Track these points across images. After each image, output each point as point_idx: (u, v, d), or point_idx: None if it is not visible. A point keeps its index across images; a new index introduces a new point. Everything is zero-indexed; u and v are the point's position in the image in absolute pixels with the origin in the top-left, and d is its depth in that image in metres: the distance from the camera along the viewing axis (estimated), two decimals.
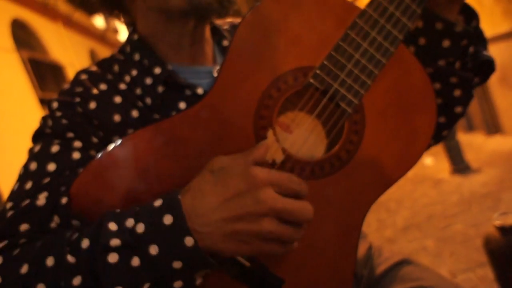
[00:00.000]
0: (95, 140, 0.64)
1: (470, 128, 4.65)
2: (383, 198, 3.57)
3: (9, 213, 0.56)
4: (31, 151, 0.64)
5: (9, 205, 0.58)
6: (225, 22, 0.83)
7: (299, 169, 0.61)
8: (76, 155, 0.61)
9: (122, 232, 0.49)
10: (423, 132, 0.65)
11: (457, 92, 0.70)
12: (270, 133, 0.60)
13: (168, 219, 0.49)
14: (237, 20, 0.83)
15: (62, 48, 7.47)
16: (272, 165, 0.59)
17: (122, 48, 0.73)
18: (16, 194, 0.59)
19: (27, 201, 0.57)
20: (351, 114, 0.63)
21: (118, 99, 0.67)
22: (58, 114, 0.65)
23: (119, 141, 0.59)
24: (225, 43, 0.77)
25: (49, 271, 0.49)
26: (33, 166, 0.61)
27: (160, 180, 0.58)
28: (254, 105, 0.61)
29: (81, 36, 8.72)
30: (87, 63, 8.72)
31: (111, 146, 0.58)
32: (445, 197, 3.05)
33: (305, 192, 0.53)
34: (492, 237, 1.02)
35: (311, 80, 0.61)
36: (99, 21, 10.28)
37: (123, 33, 12.52)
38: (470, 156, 3.62)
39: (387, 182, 0.64)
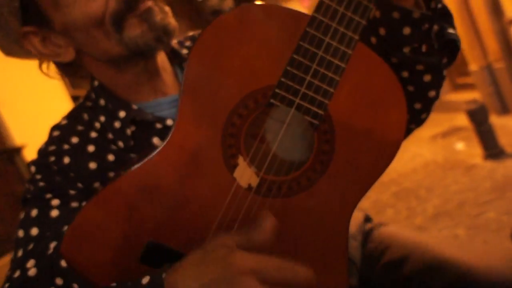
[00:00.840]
0: (72, 192, 0.66)
1: (505, 110, 4.48)
2: (413, 185, 3.52)
3: (6, 286, 0.59)
4: (20, 220, 0.67)
5: (8, 273, 0.61)
6: (185, 38, 0.82)
7: (276, 189, 0.61)
8: (54, 213, 0.64)
9: None
10: (395, 127, 0.64)
11: (427, 77, 0.69)
12: (240, 160, 0.61)
13: None
14: (197, 32, 0.81)
15: None
16: (249, 189, 0.60)
17: (88, 95, 0.75)
18: (12, 265, 0.63)
19: (18, 273, 0.59)
20: (318, 125, 0.61)
21: (91, 148, 0.69)
22: (37, 177, 0.68)
23: (93, 196, 0.59)
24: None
25: None
26: (21, 233, 0.64)
27: (144, 226, 0.59)
28: (219, 136, 0.60)
29: None
30: None
31: (87, 202, 0.59)
32: (478, 184, 2.98)
33: (302, 278, 0.50)
34: None
35: (272, 100, 0.60)
36: None
37: None
38: (504, 140, 3.50)
39: (367, 183, 0.63)
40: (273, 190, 0.61)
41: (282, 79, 0.59)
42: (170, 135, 0.60)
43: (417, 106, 0.73)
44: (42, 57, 0.72)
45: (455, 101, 5.15)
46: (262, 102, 0.61)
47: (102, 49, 0.66)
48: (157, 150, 0.61)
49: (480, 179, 3.04)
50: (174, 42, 0.78)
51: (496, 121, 4.03)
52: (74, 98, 6.37)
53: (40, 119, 5.61)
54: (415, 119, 0.74)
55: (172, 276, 0.51)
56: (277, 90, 0.59)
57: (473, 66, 4.82)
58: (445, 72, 0.72)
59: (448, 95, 5.71)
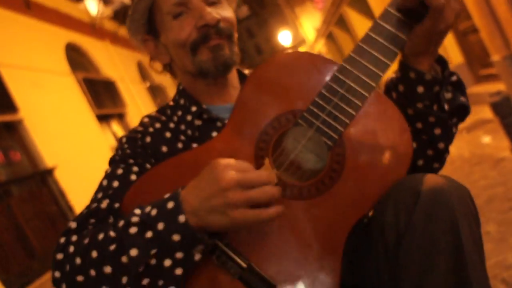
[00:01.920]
0: (148, 166, 0.87)
1: None
2: None
3: (85, 211, 0.83)
4: (106, 172, 0.89)
5: (85, 207, 0.85)
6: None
7: (289, 191, 0.75)
8: (133, 177, 0.85)
9: (142, 214, 0.71)
10: (400, 161, 0.76)
11: (437, 131, 0.82)
12: (266, 161, 0.75)
13: (170, 205, 0.70)
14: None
15: (112, 64, 7.91)
16: None
17: (174, 96, 0.99)
18: (92, 200, 0.86)
19: (95, 205, 0.83)
20: (332, 146, 0.76)
21: (168, 134, 0.91)
22: (125, 146, 0.90)
23: (158, 165, 0.82)
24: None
25: (100, 241, 0.73)
26: (104, 182, 0.86)
27: None
28: (255, 139, 0.79)
29: (128, 50, 9.15)
30: (136, 75, 9.14)
31: (151, 169, 0.83)
32: (507, 178, 2.90)
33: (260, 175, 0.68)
34: None
35: (299, 120, 0.78)
36: None
37: None
38: None
39: (367, 204, 0.74)
40: (286, 192, 0.75)
41: (310, 107, 0.78)
42: (221, 131, 0.82)
43: (429, 152, 0.85)
44: (151, 55, 0.97)
45: (479, 93, 5.04)
46: (291, 121, 0.79)
47: (183, 63, 0.92)
48: (210, 140, 0.82)
49: (509, 173, 2.97)
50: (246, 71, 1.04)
51: None
52: (99, 117, 6.58)
53: (69, 139, 5.80)
54: (429, 168, 0.86)
55: (186, 189, 0.71)
56: (305, 114, 0.78)
57: (495, 57, 4.71)
58: (454, 130, 0.85)
59: (472, 88, 5.59)
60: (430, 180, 0.68)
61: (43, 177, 4.95)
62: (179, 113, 0.93)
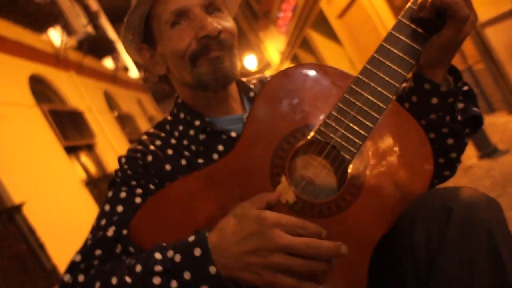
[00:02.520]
0: (152, 187, 0.82)
1: (491, 109, 4.60)
2: None
3: (89, 242, 0.77)
4: (106, 196, 0.84)
5: (89, 236, 0.80)
6: (253, 77, 1.01)
7: (308, 209, 0.72)
8: (138, 200, 0.81)
9: (164, 261, 0.66)
10: (421, 174, 0.73)
11: (450, 141, 0.81)
12: (283, 179, 0.73)
13: (197, 252, 0.65)
14: (263, 76, 1.02)
15: (78, 95, 7.74)
16: (285, 205, 0.72)
17: (171, 111, 0.94)
18: (95, 229, 0.80)
19: (100, 233, 0.77)
20: (351, 161, 0.73)
21: (170, 151, 0.86)
22: (125, 167, 0.85)
23: (167, 186, 0.77)
24: (251, 94, 0.95)
25: (114, 286, 0.66)
26: (107, 207, 0.81)
27: (197, 215, 0.74)
28: (270, 156, 0.75)
29: (94, 80, 9.01)
30: (104, 105, 8.98)
31: (160, 191, 0.77)
32: (478, 184, 3.02)
33: (311, 232, 0.65)
34: None
35: (316, 135, 0.75)
36: (108, 62, 10.61)
37: (133, 70, 12.85)
38: (496, 138, 3.58)
39: (390, 220, 0.71)
40: (306, 210, 0.72)
41: (327, 120, 0.75)
42: (233, 149, 0.77)
43: (441, 160, 0.84)
44: (146, 65, 0.93)
45: None
46: (308, 135, 0.76)
47: (181, 74, 0.87)
48: (222, 158, 0.78)
49: (479, 179, 3.09)
50: (244, 78, 1.00)
51: (485, 120, 4.11)
52: (68, 149, 6.38)
53: (37, 173, 5.56)
54: (439, 174, 0.85)
55: (214, 233, 0.66)
56: (321, 128, 0.75)
57: None
58: (466, 140, 0.84)
59: None
60: (462, 194, 0.64)
61: (10, 215, 4.70)
62: (180, 127, 0.89)
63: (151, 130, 0.92)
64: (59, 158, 6.06)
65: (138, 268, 0.66)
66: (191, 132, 0.87)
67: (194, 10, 0.83)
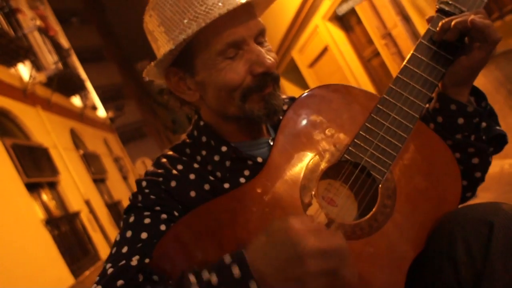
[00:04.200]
0: (176, 214, 0.78)
1: None
2: None
3: (109, 271, 0.71)
4: (126, 221, 0.79)
5: (109, 265, 0.73)
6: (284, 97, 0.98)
7: (341, 231, 0.68)
8: (163, 227, 0.76)
9: (201, 282, 0.61)
10: (451, 192, 0.75)
11: (475, 160, 0.82)
12: (314, 201, 0.72)
13: (236, 271, 0.60)
14: (290, 96, 0.99)
15: (44, 131, 7.49)
16: None
17: (190, 133, 0.90)
18: (114, 256, 0.74)
19: (123, 262, 0.71)
20: (382, 181, 0.73)
21: (192, 176, 0.83)
22: (147, 191, 0.80)
23: (192, 212, 0.73)
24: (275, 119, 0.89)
25: None
26: (129, 234, 0.76)
27: (224, 242, 0.70)
28: (299, 179, 0.74)
29: (61, 117, 8.78)
30: (69, 142, 8.72)
31: (184, 217, 0.73)
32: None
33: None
34: None
35: (345, 155, 0.75)
36: (76, 100, 10.42)
37: (101, 110, 12.67)
38: None
39: (422, 239, 0.72)
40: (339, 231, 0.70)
41: (356, 140, 0.75)
42: (260, 173, 0.74)
43: (464, 183, 0.83)
44: (170, 88, 0.86)
45: None
46: (337, 156, 0.76)
47: (222, 107, 0.82)
48: (248, 182, 0.74)
49: None
50: None
51: None
52: (29, 186, 6.06)
53: None
54: (461, 196, 0.82)
55: (250, 250, 0.62)
56: (351, 148, 0.75)
57: None
58: (490, 159, 0.85)
59: None
60: (500, 208, 0.65)
61: None
62: (203, 152, 0.85)
63: (170, 153, 0.88)
64: (19, 194, 5.73)
65: None
66: (216, 158, 0.83)
67: (249, 41, 0.78)
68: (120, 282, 0.67)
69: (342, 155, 0.75)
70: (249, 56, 0.78)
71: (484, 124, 0.83)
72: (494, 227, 0.63)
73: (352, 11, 4.78)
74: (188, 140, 0.89)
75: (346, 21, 5.80)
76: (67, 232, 6.43)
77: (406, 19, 4.17)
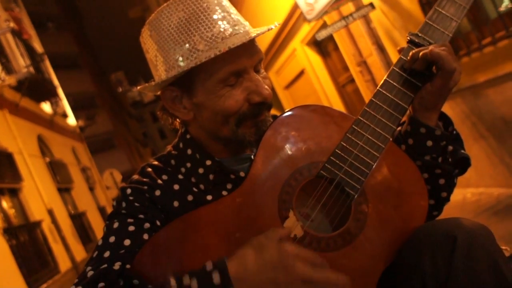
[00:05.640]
0: (158, 223, 0.80)
1: None
2: None
3: (90, 273, 0.72)
4: (109, 227, 0.80)
5: (89, 268, 0.74)
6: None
7: (315, 243, 0.75)
8: (145, 236, 0.78)
9: (181, 287, 0.63)
10: (419, 209, 0.81)
11: (442, 181, 0.88)
12: (291, 214, 0.76)
13: (216, 278, 0.63)
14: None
15: (9, 135, 7.22)
16: (294, 239, 0.75)
17: (175, 145, 0.92)
18: (96, 260, 0.75)
19: (105, 265, 0.72)
20: (355, 196, 0.78)
21: (176, 187, 0.85)
22: (131, 198, 0.82)
23: (172, 222, 0.76)
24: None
25: None
26: (112, 239, 0.77)
27: (203, 251, 0.73)
28: (278, 192, 0.78)
29: (29, 122, 8.50)
30: (36, 149, 8.43)
31: (166, 226, 0.76)
32: None
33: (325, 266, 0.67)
34: None
35: (321, 171, 0.79)
36: (46, 106, 10.14)
37: (71, 118, 12.35)
38: None
39: (392, 252, 0.77)
40: (313, 244, 0.75)
41: (331, 157, 0.80)
42: (241, 185, 0.78)
43: (431, 202, 0.89)
44: (165, 106, 0.88)
45: None
46: (313, 172, 0.80)
47: (215, 128, 0.85)
48: (229, 194, 0.78)
49: None
50: None
51: None
52: None
53: None
54: (428, 214, 0.87)
55: (234, 261, 0.64)
56: (327, 165, 0.79)
57: None
58: (455, 180, 0.90)
59: None
60: (462, 224, 0.71)
61: None
62: (188, 164, 0.87)
63: (155, 163, 0.90)
64: None
65: None
66: (200, 171, 0.86)
67: (249, 70, 0.82)
68: (101, 285, 0.69)
69: (318, 171, 0.79)
70: (248, 85, 0.82)
71: (450, 147, 0.89)
72: (457, 240, 0.68)
73: (330, 38, 4.93)
74: (173, 152, 0.91)
75: (323, 46, 5.97)
76: (25, 242, 6.15)
77: (381, 48, 4.34)
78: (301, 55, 6.24)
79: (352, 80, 5.43)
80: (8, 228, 5.87)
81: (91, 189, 11.64)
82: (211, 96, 0.81)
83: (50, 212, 7.47)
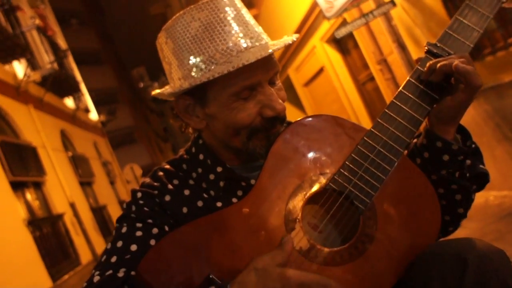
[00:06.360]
0: (167, 228, 0.80)
1: None
2: None
3: (96, 279, 0.73)
4: (118, 230, 0.81)
5: (96, 273, 0.75)
6: None
7: (321, 257, 0.73)
8: (152, 242, 0.78)
9: None
10: (430, 226, 0.77)
11: (458, 196, 0.84)
12: (297, 225, 0.74)
13: None
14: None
15: (34, 130, 7.41)
16: (299, 251, 0.73)
17: (188, 149, 0.92)
18: (103, 265, 0.76)
19: (110, 272, 0.74)
20: (364, 210, 0.75)
21: (187, 192, 0.85)
22: (141, 202, 0.83)
23: (179, 228, 0.75)
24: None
25: None
26: (119, 244, 0.79)
27: (208, 259, 0.73)
28: (284, 203, 0.76)
29: (52, 117, 8.71)
30: (59, 143, 8.64)
31: (172, 232, 0.75)
32: None
33: None
34: None
35: (330, 183, 0.77)
36: (69, 102, 10.37)
37: (93, 113, 12.59)
38: None
39: (399, 270, 0.74)
40: (318, 257, 0.73)
41: (341, 170, 0.77)
42: (248, 194, 0.77)
43: (447, 217, 0.86)
44: (178, 113, 0.87)
45: None
46: (322, 184, 0.78)
47: (225, 138, 0.85)
48: (236, 203, 0.77)
49: None
50: None
51: None
52: (14, 184, 5.98)
53: None
54: (443, 229, 0.86)
55: (234, 286, 0.64)
56: (336, 177, 0.77)
57: None
58: (473, 196, 0.86)
59: None
60: (474, 246, 0.68)
61: None
62: (199, 170, 0.87)
63: (167, 166, 0.90)
64: (3, 192, 5.64)
65: None
66: (211, 177, 0.86)
67: (264, 84, 0.81)
68: None
69: (327, 183, 0.77)
70: (261, 98, 0.80)
71: (468, 162, 0.85)
72: (467, 263, 0.66)
73: (350, 35, 4.87)
74: (185, 156, 0.91)
75: (343, 44, 5.91)
76: (48, 234, 6.32)
77: (401, 47, 4.26)
78: (320, 52, 6.19)
79: (372, 78, 5.36)
80: (32, 220, 6.04)
81: (112, 183, 11.87)
82: (224, 109, 0.81)
83: (72, 205, 7.66)
